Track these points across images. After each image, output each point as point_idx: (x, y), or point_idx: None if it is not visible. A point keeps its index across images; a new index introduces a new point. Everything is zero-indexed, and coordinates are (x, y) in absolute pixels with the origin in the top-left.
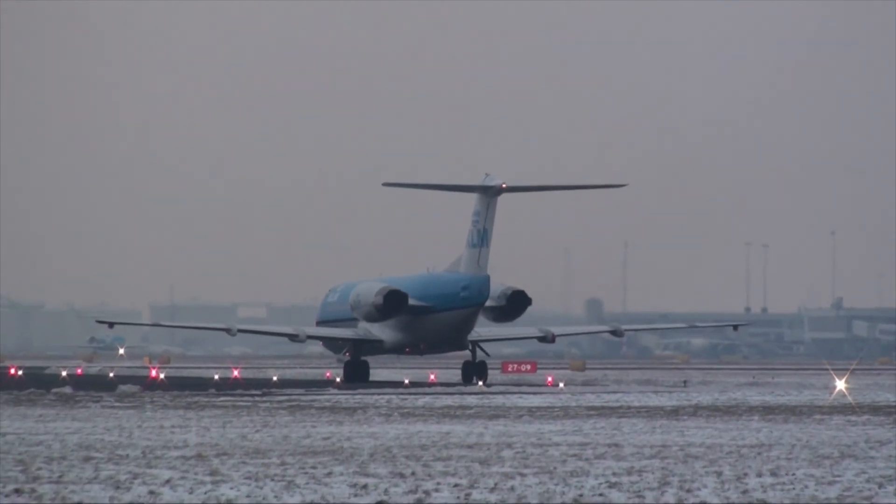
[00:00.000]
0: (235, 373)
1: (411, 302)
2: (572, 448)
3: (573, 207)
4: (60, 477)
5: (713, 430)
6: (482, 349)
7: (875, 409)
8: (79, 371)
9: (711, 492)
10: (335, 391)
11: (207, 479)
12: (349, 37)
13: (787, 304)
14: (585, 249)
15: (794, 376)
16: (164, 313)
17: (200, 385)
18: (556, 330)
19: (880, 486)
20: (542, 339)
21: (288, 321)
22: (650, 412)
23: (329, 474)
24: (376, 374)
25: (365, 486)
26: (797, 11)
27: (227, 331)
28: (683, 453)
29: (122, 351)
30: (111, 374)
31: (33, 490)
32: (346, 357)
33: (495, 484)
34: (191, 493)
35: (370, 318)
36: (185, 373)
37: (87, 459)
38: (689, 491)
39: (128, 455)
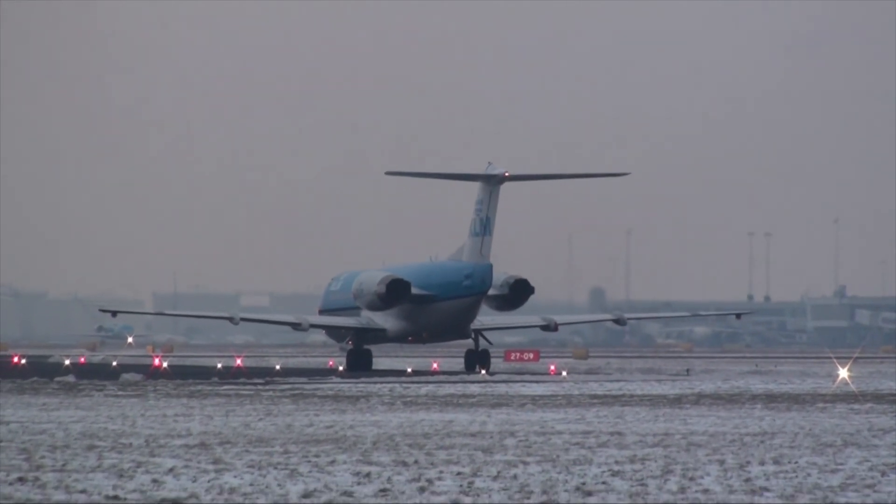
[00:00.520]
0: (238, 361)
1: (414, 291)
2: (575, 436)
3: (576, 196)
4: (64, 465)
5: (716, 419)
6: (485, 338)
7: (878, 398)
8: (82, 360)
9: (714, 480)
10: (338, 380)
11: (211, 467)
12: (352, 27)
13: (789, 292)
14: (588, 238)
15: (797, 365)
16: (167, 302)
17: (203, 374)
18: (558, 318)
19: (883, 474)
20: (545, 328)
21: (291, 310)
22: (653, 400)
23: (332, 463)
24: (379, 363)
25: (368, 475)
26: (801, 2)
27: (230, 319)
28: (686, 441)
29: (130, 340)
30: (114, 363)
31: (37, 479)
32: (349, 346)
33: (498, 472)
34: (194, 481)
35: (373, 307)
36: (188, 361)
37: (91, 448)
38: (691, 479)
39: (131, 444)
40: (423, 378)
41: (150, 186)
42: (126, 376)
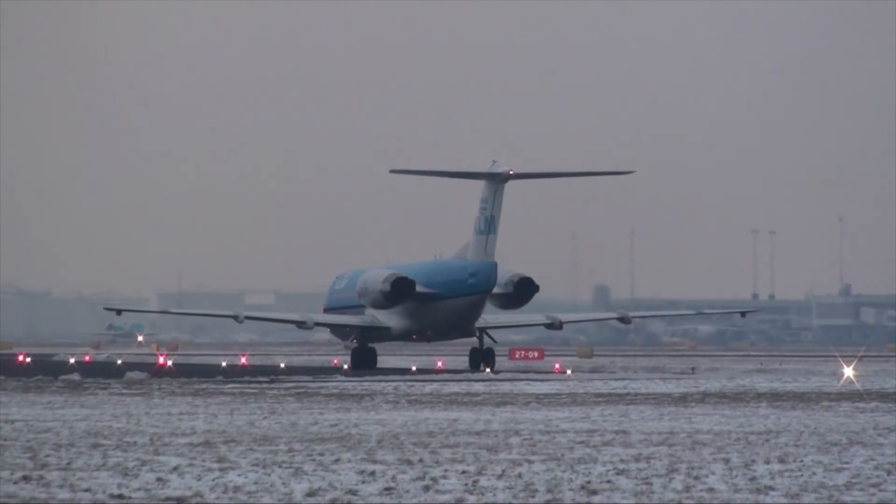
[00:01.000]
0: (243, 360)
1: (419, 289)
2: (580, 435)
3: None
4: (68, 464)
5: (721, 417)
6: (489, 336)
7: (883, 396)
8: (87, 358)
9: (719, 479)
10: (342, 378)
11: (215, 465)
12: (357, 26)
13: (794, 290)
14: (593, 236)
15: (802, 363)
16: (171, 300)
17: (208, 372)
18: (563, 317)
19: (888, 472)
20: (550, 326)
21: (295, 308)
22: (658, 399)
23: (337, 461)
24: (384, 361)
25: (373, 473)
26: (805, 1)
27: (235, 318)
28: (691, 440)
29: (140, 338)
30: (119, 362)
31: (41, 477)
32: (354, 344)
33: (503, 471)
34: (199, 479)
35: (377, 305)
36: (192, 360)
37: (95, 446)
38: (696, 478)
39: (136, 442)
40: (427, 376)
41: (154, 185)
42: (131, 375)
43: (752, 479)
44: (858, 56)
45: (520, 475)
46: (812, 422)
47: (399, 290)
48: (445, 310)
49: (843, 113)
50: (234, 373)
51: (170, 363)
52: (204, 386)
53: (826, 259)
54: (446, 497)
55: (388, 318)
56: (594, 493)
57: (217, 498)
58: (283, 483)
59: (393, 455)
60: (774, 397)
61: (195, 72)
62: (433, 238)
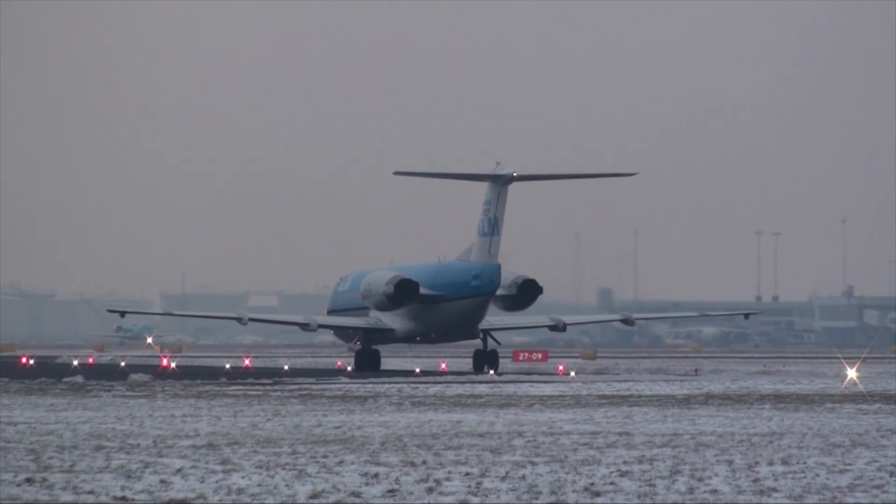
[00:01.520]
0: (247, 362)
1: (422, 291)
2: (583, 437)
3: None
4: (72, 466)
5: (724, 419)
6: (493, 338)
7: (886, 398)
8: (90, 360)
9: (722, 480)
10: (346, 380)
11: (219, 468)
12: (361, 28)
13: (797, 292)
14: (596, 238)
15: (806, 365)
16: (175, 302)
17: (212, 374)
18: (566, 318)
19: (891, 474)
20: (553, 328)
21: (299, 310)
22: (661, 401)
23: (340, 463)
24: (387, 363)
25: (376, 475)
26: (809, 1)
27: (239, 320)
28: (694, 442)
29: (149, 340)
30: (122, 364)
31: (45, 479)
32: (358, 346)
33: (506, 472)
34: (202, 482)
35: (381, 307)
36: (196, 362)
37: (99, 449)
38: (700, 480)
39: (139, 444)
40: (431, 378)
41: (158, 187)
42: (134, 377)
43: (756, 480)
44: (863, 58)
45: (523, 477)
46: (815, 423)
47: (403, 292)
48: (449, 312)
49: (846, 115)
50: (238, 375)
51: (173, 365)
52: (207, 388)
53: (829, 261)
54: (450, 499)
55: (392, 320)
56: (597, 494)
57: (220, 500)
58: (287, 485)
59: (396, 457)
60: (778, 399)
61: (199, 74)
62: (437, 240)
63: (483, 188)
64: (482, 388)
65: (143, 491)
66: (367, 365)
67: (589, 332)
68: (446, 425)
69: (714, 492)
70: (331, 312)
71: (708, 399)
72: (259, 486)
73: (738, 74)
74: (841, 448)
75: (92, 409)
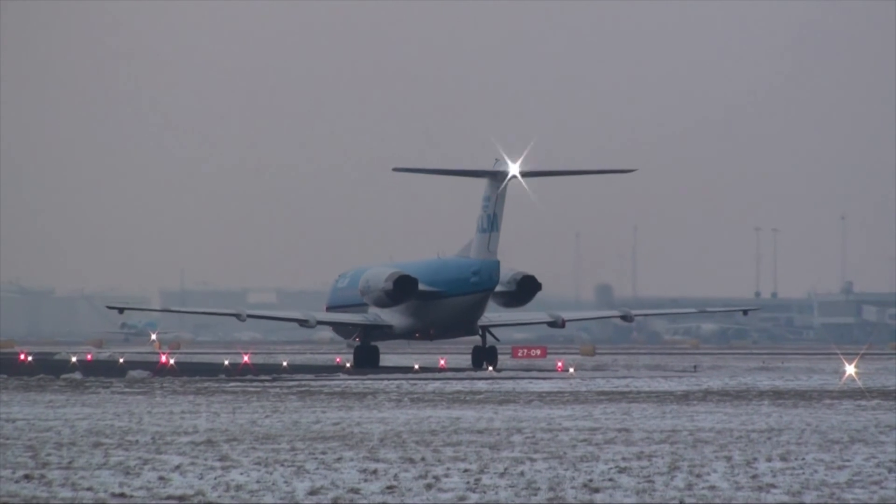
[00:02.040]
0: (245, 358)
1: (421, 287)
2: (582, 433)
3: (583, 193)
4: (70, 463)
5: (723, 415)
6: (492, 334)
7: (885, 394)
8: (89, 357)
9: (721, 477)
10: (345, 376)
11: (217, 464)
12: (359, 24)
13: (796, 288)
14: (595, 234)
15: (804, 361)
16: (174, 299)
17: (210, 370)
18: (566, 315)
19: (890, 470)
20: (552, 325)
21: (298, 306)
22: (660, 397)
23: (339, 460)
24: (386, 360)
25: (375, 472)
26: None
27: (238, 316)
28: (693, 438)
29: (154, 336)
30: (121, 360)
31: (43, 476)
32: (356, 342)
33: (505, 469)
34: (201, 478)
35: (380, 304)
36: (195, 358)
37: (97, 445)
38: (698, 476)
39: (137, 441)
40: (430, 375)
41: (156, 183)
42: (133, 373)
43: (754, 476)
44: (861, 54)
45: (522, 473)
46: (814, 420)
47: (402, 289)
48: (448, 308)
49: (845, 111)
50: (237, 371)
51: (172, 362)
52: (206, 384)
53: (828, 257)
54: (448, 495)
55: (391, 317)
56: (596, 491)
57: (219, 497)
58: (286, 482)
59: (395, 453)
60: (776, 395)
61: (197, 70)
62: (436, 236)
63: (482, 185)
64: (481, 385)
65: (141, 487)
66: (366, 361)
67: (588, 328)
68: (445, 422)
69: (712, 488)
70: (330, 309)
71: (707, 395)
72: (258, 482)
73: (736, 71)
74: (839, 444)
75: (90, 405)
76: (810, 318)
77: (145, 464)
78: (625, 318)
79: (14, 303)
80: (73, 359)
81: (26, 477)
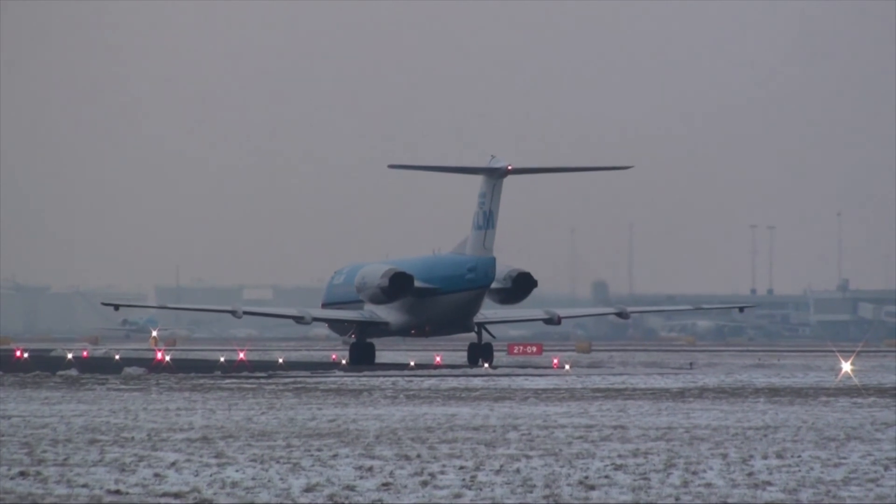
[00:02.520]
0: (241, 355)
1: (417, 284)
2: (578, 430)
3: (579, 189)
4: (66, 460)
5: (719, 413)
6: (488, 331)
7: (881, 392)
8: (84, 353)
9: (717, 474)
10: (341, 373)
11: (213, 461)
12: (357, 22)
13: (792, 286)
14: (591, 231)
15: (800, 358)
16: (169, 295)
17: (206, 367)
18: (561, 312)
19: (886, 468)
20: (548, 321)
21: (293, 303)
22: (656, 394)
23: (335, 456)
24: (382, 357)
25: (370, 469)
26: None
27: (233, 313)
28: (689, 435)
29: (154, 333)
30: (117, 357)
31: (38, 473)
32: (352, 339)
33: (501, 466)
34: (196, 475)
35: (376, 301)
36: (190, 355)
37: (93, 442)
38: (694, 473)
39: (133, 438)
40: (425, 372)
41: (152, 180)
42: (128, 370)
43: (750, 474)
44: (857, 52)
45: (518, 470)
46: (810, 417)
47: (397, 286)
48: (444, 305)
49: (841, 108)
50: (233, 368)
51: (168, 358)
52: (202, 381)
53: (824, 254)
54: (444, 492)
55: (387, 314)
56: (592, 488)
57: (215, 493)
58: (281, 478)
59: (391, 450)
60: (772, 392)
61: (194, 68)
62: (431, 233)
63: (478, 181)
64: (477, 382)
65: (137, 484)
66: (362, 358)
67: (584, 325)
68: (441, 419)
69: (708, 485)
70: (325, 306)
71: (702, 392)
72: (253, 479)
73: (732, 69)
74: (835, 442)
75: (86, 402)
76: (806, 316)
77: (141, 461)
78: (621, 314)
79: (10, 299)
80: (69, 355)
81: (22, 474)
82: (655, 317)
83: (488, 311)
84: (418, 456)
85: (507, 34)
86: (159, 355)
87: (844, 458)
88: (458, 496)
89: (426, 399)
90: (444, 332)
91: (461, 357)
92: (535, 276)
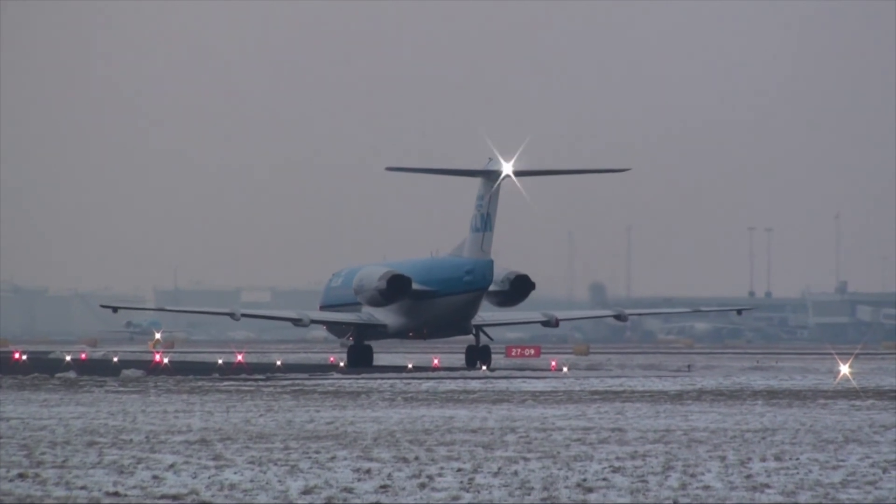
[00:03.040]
0: (239, 357)
1: (415, 286)
2: (576, 432)
3: (577, 192)
4: (64, 462)
5: (717, 415)
6: (486, 333)
7: (879, 394)
8: (83, 356)
9: (715, 476)
10: (339, 376)
11: (211, 463)
12: (354, 24)
13: (790, 288)
14: (589, 234)
15: (798, 361)
16: (167, 298)
17: (204, 369)
18: (559, 314)
19: (884, 470)
20: (546, 324)
21: (291, 305)
22: (654, 396)
23: (332, 459)
24: (380, 359)
25: (368, 471)
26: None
27: (231, 315)
28: (687, 438)
29: (158, 335)
30: (115, 359)
31: (37, 475)
32: (350, 341)
33: (499, 468)
34: (194, 477)
35: (374, 303)
36: (188, 357)
37: (91, 444)
38: (692, 476)
39: (131, 440)
40: (423, 374)
41: (150, 182)
42: (127, 372)
43: (748, 476)
44: (855, 54)
45: (516, 473)
46: (808, 419)
47: (395, 288)
48: (442, 307)
49: (839, 110)
50: (231, 370)
51: (166, 361)
52: (200, 383)
53: (822, 257)
54: (442, 495)
55: (385, 316)
56: (590, 490)
57: (213, 496)
58: (279, 481)
59: (389, 453)
60: (770, 395)
61: (193, 70)
62: (429, 235)
63: (476, 184)
64: (475, 384)
65: (135, 486)
66: (360, 360)
67: (581, 327)
68: (439, 421)
69: (706, 488)
70: (323, 308)
71: (701, 395)
72: (251, 481)
73: (730, 70)
74: (834, 444)
75: (84, 404)
76: (804, 318)
77: (139, 463)
78: (619, 317)
79: (8, 302)
80: (68, 358)
81: (20, 476)
82: (653, 319)
83: (486, 313)
84: (416, 458)
85: (505, 37)
86: (157, 357)
87: (843, 460)
88: (455, 498)
89: (424, 401)
90: (441, 334)
91: (459, 359)
92: (533, 279)
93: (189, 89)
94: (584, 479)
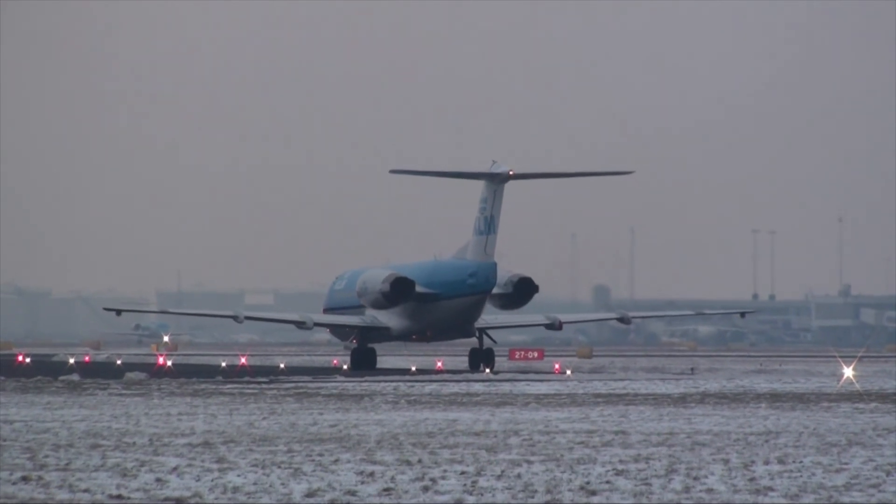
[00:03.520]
0: (242, 360)
1: (418, 289)
2: (579, 435)
3: (580, 194)
4: (68, 464)
5: (720, 418)
6: (489, 336)
7: (883, 397)
8: (86, 358)
9: (718, 479)
10: (342, 378)
11: (214, 466)
12: (357, 25)
13: (794, 291)
14: (592, 236)
15: (802, 364)
16: (171, 300)
17: (207, 372)
18: (563, 317)
19: (888, 473)
20: (550, 327)
21: (295, 308)
22: (657, 399)
23: (336, 461)
24: (383, 362)
25: (372, 474)
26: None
27: (235, 318)
28: (690, 441)
29: (166, 338)
30: (118, 362)
31: (40, 478)
32: (353, 344)
33: (502, 471)
34: (198, 480)
35: (377, 306)
36: (192, 360)
37: (95, 447)
38: (696, 479)
39: (135, 442)
40: (427, 377)
41: (153, 185)
42: (130, 375)
43: (752, 479)
44: (858, 56)
45: (519, 476)
46: (811, 422)
47: (399, 291)
48: (445, 310)
49: (843, 113)
50: (234, 373)
51: (169, 363)
52: (203, 386)
53: (826, 259)
54: (445, 497)
55: (388, 319)
56: (593, 493)
57: (216, 498)
58: (283, 483)
59: (392, 455)
60: (774, 398)
61: (195, 71)
62: (433, 238)
63: (479, 186)
64: (478, 387)
65: (138, 489)
66: (363, 363)
67: (585, 330)
68: (442, 424)
69: (710, 491)
70: (327, 311)
71: (704, 398)
72: (255, 484)
73: (733, 72)
74: (837, 447)
75: (88, 407)
76: (808, 321)
77: (142, 465)
78: (622, 320)
79: (11, 304)
80: (71, 360)
81: (24, 478)
82: (657, 322)
83: (489, 316)
84: (419, 461)
85: (507, 38)
86: (161, 360)
87: (846, 463)
88: (459, 501)
89: (427, 404)
90: (445, 337)
91: (462, 362)
92: (537, 282)
93: (193, 91)
94: (588, 482)
